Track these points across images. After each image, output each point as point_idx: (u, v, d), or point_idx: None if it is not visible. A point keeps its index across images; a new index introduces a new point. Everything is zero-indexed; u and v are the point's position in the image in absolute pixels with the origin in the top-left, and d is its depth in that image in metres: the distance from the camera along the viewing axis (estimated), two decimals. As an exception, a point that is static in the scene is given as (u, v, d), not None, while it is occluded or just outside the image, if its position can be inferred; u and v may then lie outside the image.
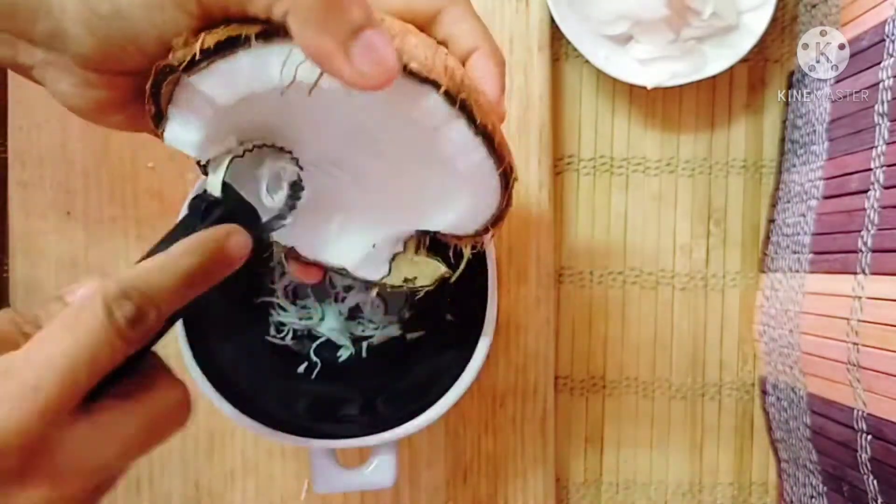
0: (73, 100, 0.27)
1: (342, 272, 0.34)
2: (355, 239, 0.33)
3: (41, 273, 0.48)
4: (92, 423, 0.23)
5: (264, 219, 0.30)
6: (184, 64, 0.24)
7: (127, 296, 0.23)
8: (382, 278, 0.34)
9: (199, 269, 0.26)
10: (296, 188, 0.31)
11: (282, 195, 0.30)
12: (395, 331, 0.42)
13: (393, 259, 0.34)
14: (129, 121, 0.29)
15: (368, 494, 0.49)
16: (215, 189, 0.28)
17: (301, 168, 0.31)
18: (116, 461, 0.24)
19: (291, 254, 0.34)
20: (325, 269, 0.34)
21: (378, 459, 0.40)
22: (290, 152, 0.30)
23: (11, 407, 0.21)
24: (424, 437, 0.49)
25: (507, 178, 0.28)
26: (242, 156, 0.29)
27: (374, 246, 0.33)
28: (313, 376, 0.41)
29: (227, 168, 0.28)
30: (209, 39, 0.24)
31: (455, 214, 0.31)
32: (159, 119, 0.27)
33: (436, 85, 0.25)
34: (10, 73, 0.47)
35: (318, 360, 0.41)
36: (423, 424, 0.38)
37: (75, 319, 0.23)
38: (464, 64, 0.29)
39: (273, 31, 0.24)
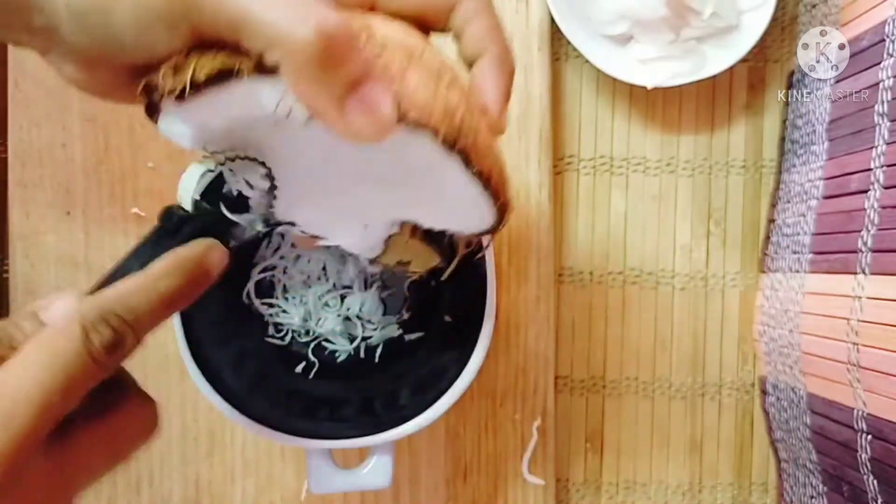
0: (78, 82, 0.27)
1: (337, 249, 0.34)
2: (349, 219, 0.33)
3: (41, 273, 0.48)
4: (63, 449, 0.23)
5: (237, 228, 0.30)
6: (173, 94, 0.24)
7: (105, 320, 0.23)
8: (376, 257, 0.34)
9: (179, 290, 0.25)
10: (267, 198, 0.30)
11: (256, 201, 0.30)
12: (393, 331, 0.42)
13: (388, 239, 0.34)
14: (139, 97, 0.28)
15: (368, 494, 0.49)
16: (187, 203, 0.28)
17: (274, 184, 0.30)
18: (84, 483, 0.24)
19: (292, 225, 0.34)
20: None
21: (375, 460, 0.40)
22: (263, 164, 0.30)
23: None
24: (424, 437, 0.49)
25: (502, 212, 0.28)
26: (215, 169, 0.29)
27: (365, 227, 0.33)
28: (311, 376, 0.41)
29: (200, 183, 0.28)
30: (200, 70, 0.23)
31: (447, 223, 0.31)
32: (153, 111, 0.27)
33: (433, 131, 0.24)
34: (10, 74, 0.47)
35: (316, 361, 0.41)
36: (422, 425, 0.38)
37: (51, 345, 0.22)
38: (472, 65, 0.28)
39: (268, 68, 0.23)
